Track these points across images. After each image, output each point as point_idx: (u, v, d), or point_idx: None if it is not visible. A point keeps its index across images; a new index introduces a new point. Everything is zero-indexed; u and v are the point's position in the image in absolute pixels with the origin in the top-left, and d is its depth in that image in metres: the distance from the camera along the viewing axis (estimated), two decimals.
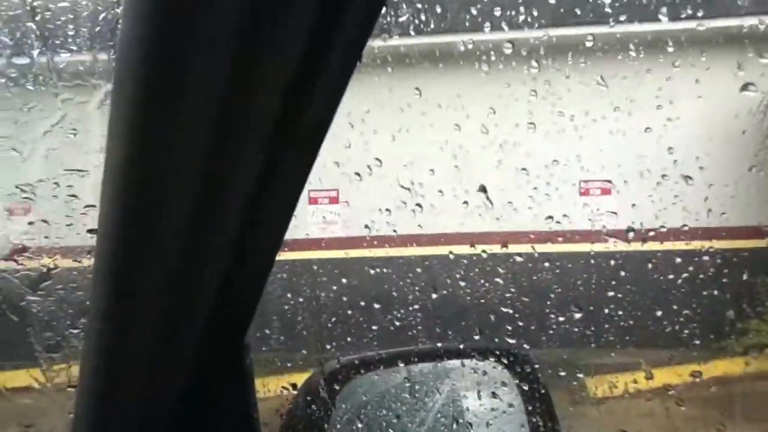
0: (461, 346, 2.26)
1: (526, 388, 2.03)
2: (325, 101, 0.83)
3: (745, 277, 6.51)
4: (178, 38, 0.72)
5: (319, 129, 0.87)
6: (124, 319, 0.97)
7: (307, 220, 7.79)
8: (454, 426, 2.08)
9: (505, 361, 2.09)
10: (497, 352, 2.14)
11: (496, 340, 2.67)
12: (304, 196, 0.94)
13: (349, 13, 0.74)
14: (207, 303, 0.97)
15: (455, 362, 2.16)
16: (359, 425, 2.02)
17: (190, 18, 0.70)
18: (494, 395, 2.06)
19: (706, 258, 6.11)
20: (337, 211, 8.12)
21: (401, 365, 2.15)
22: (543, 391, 2.04)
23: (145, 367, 1.02)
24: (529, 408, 2.01)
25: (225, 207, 0.87)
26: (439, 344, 2.34)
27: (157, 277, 0.91)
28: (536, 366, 2.09)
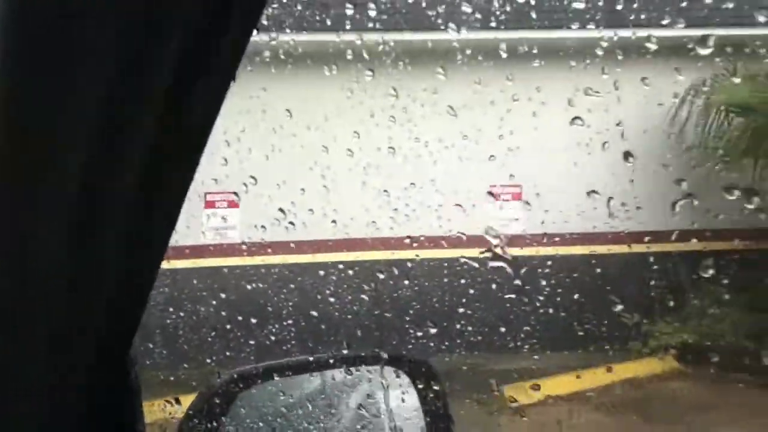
0: (351, 353, 2.27)
1: (424, 392, 2.02)
2: (209, 100, 0.80)
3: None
4: (50, 28, 0.67)
5: (202, 131, 0.83)
6: None
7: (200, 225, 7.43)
8: None
9: (402, 367, 2.06)
10: (394, 359, 2.11)
11: (363, 354, 2.68)
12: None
13: (232, 12, 0.73)
14: (87, 316, 0.91)
15: (351, 370, 2.11)
16: None
17: (62, 11, 0.66)
18: (392, 399, 2.05)
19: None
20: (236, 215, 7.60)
21: (293, 375, 2.12)
22: (440, 394, 2.03)
23: (18, 384, 0.95)
24: (427, 410, 1.99)
25: (105, 213, 0.81)
26: (329, 353, 2.29)
27: (30, 289, 0.85)
28: (433, 371, 2.08)
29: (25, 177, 0.75)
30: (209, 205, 7.45)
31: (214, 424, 1.85)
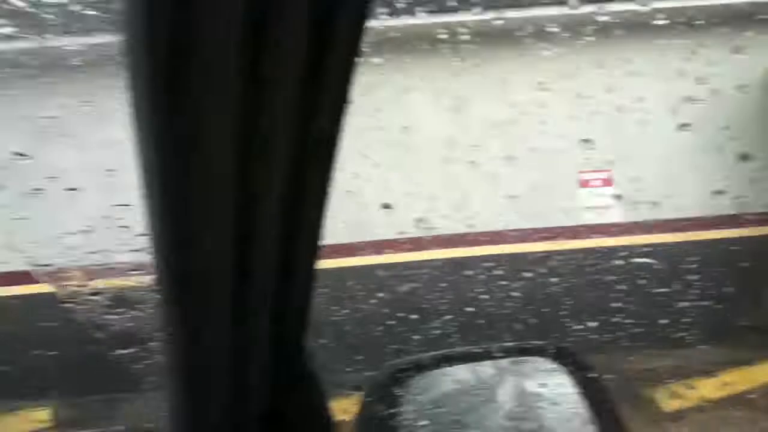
0: (515, 344, 2.25)
1: (584, 383, 1.97)
2: (336, 95, 0.82)
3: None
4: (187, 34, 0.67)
5: (335, 126, 0.85)
6: (182, 338, 0.96)
7: None
8: (510, 423, 2.06)
9: (561, 358, 2.04)
10: (553, 349, 2.08)
11: (524, 345, 2.64)
12: None
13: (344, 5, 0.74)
14: (258, 315, 0.97)
15: (509, 360, 2.14)
16: (425, 422, 2.03)
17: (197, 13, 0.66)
18: (552, 391, 2.04)
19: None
20: None
21: (460, 365, 2.17)
22: (600, 385, 1.99)
23: (212, 383, 1.02)
24: (589, 402, 1.94)
25: (259, 213, 0.85)
26: (494, 344, 2.27)
27: (203, 295, 0.90)
28: (588, 362, 2.04)
29: (190, 180, 0.78)
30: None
31: (389, 410, 1.92)
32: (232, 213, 0.82)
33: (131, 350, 2.38)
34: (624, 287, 5.62)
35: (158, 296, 0.92)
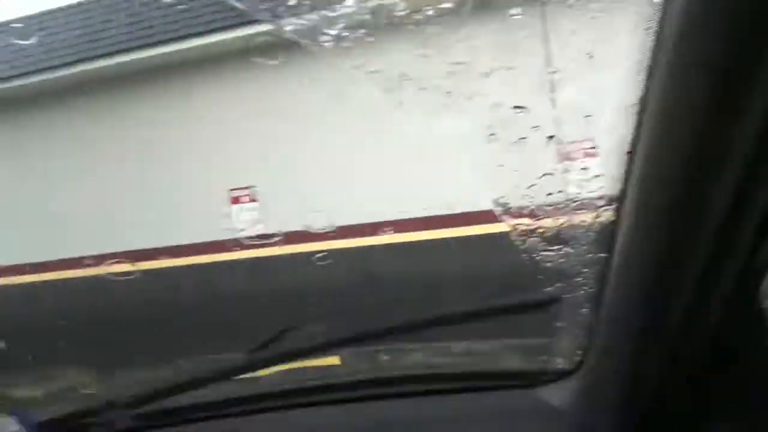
0: None
1: None
2: None
3: None
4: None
5: None
6: (647, 270, 1.03)
7: None
8: None
9: None
10: None
11: None
12: None
13: None
14: (730, 258, 0.97)
15: None
16: None
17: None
18: None
19: None
20: None
21: None
22: None
23: (671, 314, 1.06)
24: None
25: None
26: None
27: (695, 234, 0.93)
28: None
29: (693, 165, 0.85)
30: None
31: None
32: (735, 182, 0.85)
33: (556, 285, 2.48)
34: None
35: (626, 231, 1.03)
